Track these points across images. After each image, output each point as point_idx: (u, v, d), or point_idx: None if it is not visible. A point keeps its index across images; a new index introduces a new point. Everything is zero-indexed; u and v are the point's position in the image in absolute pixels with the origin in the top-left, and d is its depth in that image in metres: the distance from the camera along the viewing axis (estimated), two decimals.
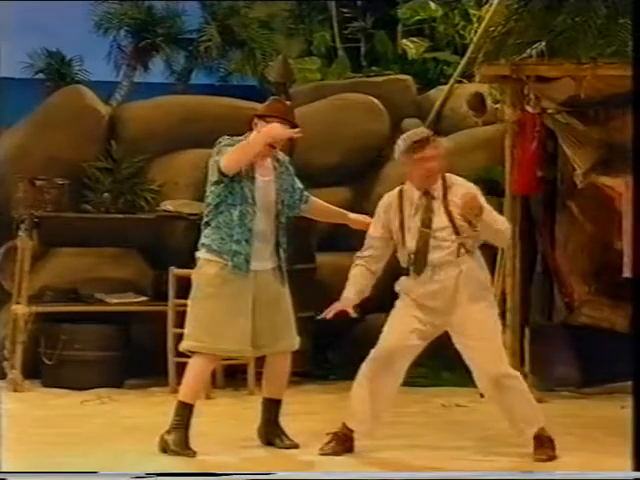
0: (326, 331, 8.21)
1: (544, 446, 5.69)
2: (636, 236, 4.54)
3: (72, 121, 8.61)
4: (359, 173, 8.86)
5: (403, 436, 6.24)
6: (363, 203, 8.87)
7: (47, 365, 7.84)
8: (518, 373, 5.77)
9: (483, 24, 8.43)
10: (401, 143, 5.73)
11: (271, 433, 5.91)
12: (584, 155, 7.54)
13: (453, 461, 5.64)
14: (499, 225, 5.70)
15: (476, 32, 8.92)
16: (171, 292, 7.72)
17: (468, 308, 5.65)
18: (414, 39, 9.89)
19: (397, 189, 5.82)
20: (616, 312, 7.70)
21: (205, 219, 5.80)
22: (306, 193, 6.00)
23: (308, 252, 8.28)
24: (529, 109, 7.40)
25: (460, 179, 5.80)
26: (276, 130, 5.68)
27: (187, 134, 8.59)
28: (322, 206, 6.07)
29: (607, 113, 7.61)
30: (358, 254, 5.88)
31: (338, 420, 6.72)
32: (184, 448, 5.66)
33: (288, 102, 6.03)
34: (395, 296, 8.50)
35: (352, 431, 5.78)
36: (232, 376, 7.82)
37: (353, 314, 5.83)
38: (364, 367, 5.81)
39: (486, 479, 5.20)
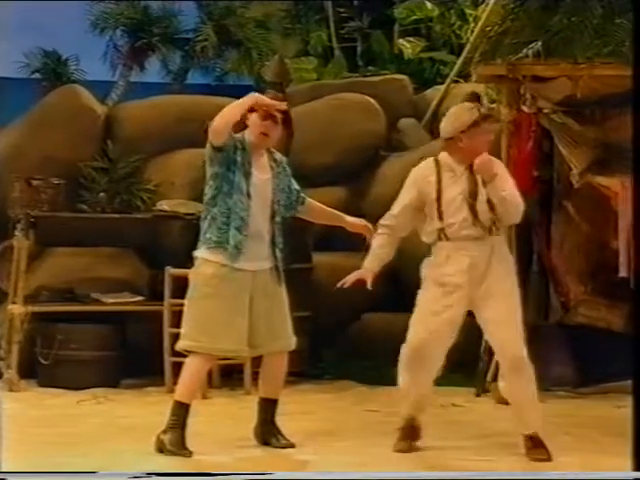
0: (322, 330, 8.22)
1: (539, 446, 5.69)
2: (637, 236, 4.53)
3: (68, 121, 8.60)
4: (355, 173, 8.86)
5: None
6: (359, 203, 8.88)
7: (43, 365, 7.84)
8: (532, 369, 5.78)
9: (479, 24, 8.44)
10: (465, 114, 5.71)
11: (267, 433, 5.91)
12: (580, 155, 7.55)
13: (450, 461, 5.64)
14: (506, 194, 5.65)
15: (472, 32, 8.94)
16: (167, 292, 7.72)
17: (496, 284, 5.66)
18: (410, 39, 9.90)
19: (431, 161, 5.83)
20: (612, 312, 7.71)
21: (202, 216, 5.80)
22: (303, 194, 6.00)
23: (305, 252, 8.28)
24: (525, 109, 7.40)
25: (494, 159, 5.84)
26: (262, 97, 5.72)
27: (183, 134, 8.59)
28: (318, 208, 6.07)
29: (603, 113, 7.61)
30: (381, 221, 5.91)
31: (333, 420, 6.72)
32: (180, 448, 5.65)
33: (282, 98, 6.01)
34: (393, 296, 8.56)
35: (414, 419, 5.76)
36: (228, 376, 7.82)
37: (370, 286, 5.84)
38: (400, 362, 5.86)
39: (486, 479, 5.20)
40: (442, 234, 5.75)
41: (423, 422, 5.88)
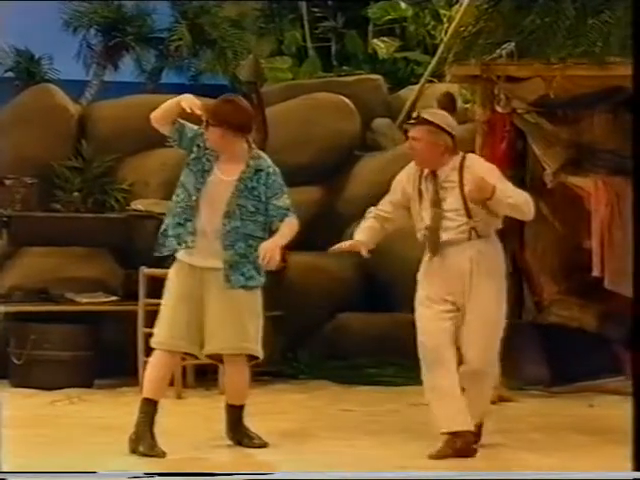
0: (296, 330, 8.22)
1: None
2: (636, 237, 4.57)
3: (41, 120, 8.57)
4: (330, 172, 8.87)
5: (373, 435, 6.25)
6: (334, 202, 8.89)
7: (16, 365, 7.80)
8: (496, 371, 5.79)
9: (453, 24, 8.46)
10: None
11: (238, 435, 5.92)
12: (553, 155, 7.58)
13: (424, 460, 5.65)
14: (512, 199, 5.67)
15: (446, 32, 8.95)
16: (141, 292, 7.70)
17: (478, 289, 5.67)
18: (385, 39, 9.91)
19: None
20: (585, 311, 7.75)
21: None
22: (286, 214, 5.82)
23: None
24: (499, 109, 7.42)
25: (478, 159, 5.87)
26: (187, 97, 5.80)
27: (157, 133, 8.52)
28: (285, 230, 5.84)
29: (576, 113, 7.65)
30: (372, 209, 5.97)
31: (308, 419, 6.73)
32: (153, 448, 5.65)
33: (243, 101, 5.95)
34: (368, 296, 8.57)
35: (468, 432, 5.67)
36: (203, 376, 7.81)
37: (365, 254, 5.87)
38: (423, 375, 5.75)
39: (485, 479, 5.21)
40: (426, 236, 5.78)
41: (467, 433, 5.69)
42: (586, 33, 7.18)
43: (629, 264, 7.49)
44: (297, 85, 9.37)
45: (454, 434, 5.65)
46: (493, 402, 6.76)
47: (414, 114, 5.86)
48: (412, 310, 8.40)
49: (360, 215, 8.68)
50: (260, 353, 5.84)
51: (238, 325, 5.75)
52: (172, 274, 5.82)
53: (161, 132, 5.88)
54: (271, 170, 5.84)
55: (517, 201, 5.69)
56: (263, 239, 5.79)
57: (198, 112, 5.72)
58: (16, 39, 9.24)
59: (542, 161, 7.63)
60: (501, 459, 5.71)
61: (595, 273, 7.45)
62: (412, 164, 5.88)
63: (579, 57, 7.14)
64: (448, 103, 8.44)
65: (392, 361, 8.19)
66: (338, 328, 8.52)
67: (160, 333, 5.79)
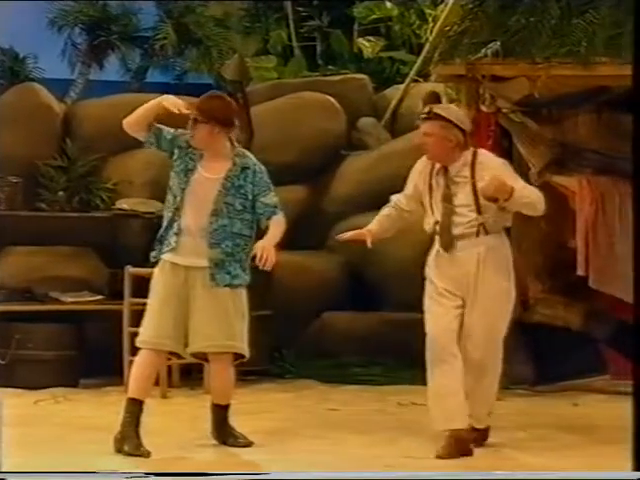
0: (283, 329, 8.22)
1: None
2: (636, 240, 4.58)
3: (26, 119, 8.54)
4: (315, 171, 8.87)
5: (360, 434, 6.25)
6: (319, 201, 8.90)
7: (1, 365, 7.78)
8: (499, 369, 5.81)
9: (438, 23, 8.48)
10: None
11: (223, 434, 5.92)
12: (538, 154, 7.60)
13: (409, 459, 5.66)
14: (528, 199, 5.70)
15: (432, 31, 8.96)
16: (127, 291, 7.69)
17: (484, 285, 5.69)
18: (370, 38, 9.92)
19: None
20: (570, 310, 7.77)
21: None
22: (274, 212, 5.82)
23: None
24: (484, 108, 7.44)
25: (490, 155, 5.89)
26: (168, 98, 5.78)
27: None
28: (276, 230, 5.84)
29: (561, 113, 7.67)
30: (393, 197, 6.02)
31: (294, 419, 6.73)
32: (138, 448, 5.64)
33: (229, 98, 5.97)
34: (354, 295, 8.57)
35: (465, 431, 5.68)
36: (188, 375, 7.80)
37: (369, 244, 5.91)
38: (428, 370, 5.75)
39: (483, 479, 5.22)
40: (435, 228, 5.81)
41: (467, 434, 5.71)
42: (571, 33, 7.20)
43: (613, 263, 7.57)
44: (282, 84, 9.36)
45: (454, 432, 5.66)
46: None
47: (426, 109, 5.83)
48: (398, 309, 8.44)
49: (346, 214, 8.76)
50: (246, 351, 5.84)
51: (224, 323, 5.74)
52: (157, 273, 5.82)
53: (136, 137, 5.86)
54: (257, 168, 5.85)
55: (532, 200, 5.73)
56: (250, 237, 5.79)
57: (185, 111, 5.72)
58: (0, 38, 9.21)
59: (527, 160, 7.64)
60: (487, 457, 5.72)
61: (580, 272, 7.48)
62: (424, 158, 5.89)
63: (564, 57, 7.16)
64: (433, 102, 8.43)
65: (378, 360, 8.21)
66: (324, 327, 8.53)
67: (145, 332, 5.79)
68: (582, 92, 7.60)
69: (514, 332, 7.85)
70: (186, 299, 5.74)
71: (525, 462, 5.63)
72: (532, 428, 6.36)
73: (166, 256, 5.77)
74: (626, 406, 7.07)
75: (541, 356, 7.66)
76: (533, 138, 7.65)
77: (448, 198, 5.75)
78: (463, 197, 5.73)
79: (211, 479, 5.00)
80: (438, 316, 5.74)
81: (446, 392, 5.67)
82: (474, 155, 5.79)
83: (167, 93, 9.57)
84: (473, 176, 5.72)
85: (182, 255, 5.74)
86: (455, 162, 5.76)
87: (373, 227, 5.98)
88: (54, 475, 4.99)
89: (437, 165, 5.82)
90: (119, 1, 9.48)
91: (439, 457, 5.63)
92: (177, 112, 5.72)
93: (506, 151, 7.76)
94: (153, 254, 5.82)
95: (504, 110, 7.56)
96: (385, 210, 6.01)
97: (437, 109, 5.82)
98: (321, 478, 5.08)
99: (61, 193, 8.48)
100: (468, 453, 5.68)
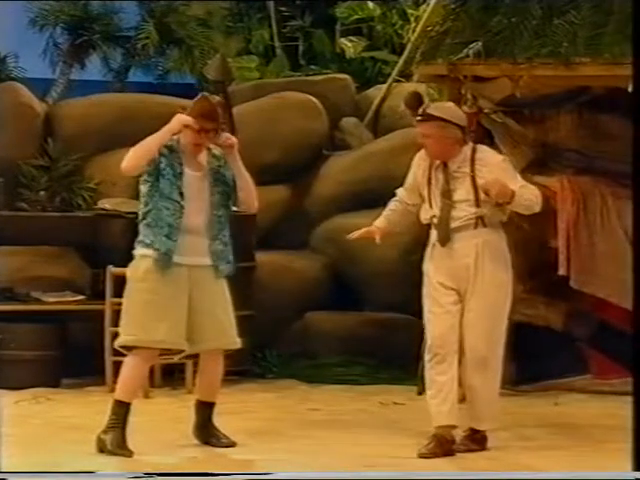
0: (265, 329, 8.22)
1: (474, 440, 5.75)
2: (636, 245, 4.61)
3: (7, 119, 8.51)
4: (298, 171, 8.87)
5: (342, 434, 6.26)
6: (302, 201, 8.90)
7: None
8: (500, 366, 5.81)
9: (421, 24, 8.47)
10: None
11: (206, 434, 5.92)
12: (520, 154, 7.62)
13: (392, 459, 5.67)
14: (526, 201, 5.75)
15: (414, 32, 8.96)
16: (108, 291, 7.68)
17: (482, 279, 5.71)
18: (352, 38, 9.92)
19: None
20: (551, 310, 7.79)
21: (139, 217, 5.87)
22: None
23: (247, 250, 8.27)
24: (466, 109, 7.43)
25: (489, 151, 5.91)
26: (183, 120, 5.73)
27: (124, 132, 8.51)
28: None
29: (542, 113, 7.69)
30: (398, 191, 6.02)
31: (276, 418, 6.73)
32: (121, 448, 5.63)
33: (218, 99, 6.02)
34: (336, 295, 8.58)
35: (448, 429, 5.70)
36: (170, 375, 7.80)
37: (378, 240, 5.93)
38: (427, 366, 5.78)
39: (483, 479, 5.23)
40: (433, 221, 5.83)
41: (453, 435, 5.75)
42: (552, 33, 7.22)
43: (595, 263, 7.60)
44: (265, 84, 9.36)
45: (440, 431, 5.69)
46: (460, 401, 6.80)
47: (421, 110, 5.84)
48: (380, 309, 8.45)
49: (329, 214, 8.76)
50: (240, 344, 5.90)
51: (228, 320, 5.80)
52: (143, 273, 5.73)
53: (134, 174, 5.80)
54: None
55: (531, 202, 5.79)
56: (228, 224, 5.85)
57: (196, 126, 5.72)
58: None
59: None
60: (469, 457, 5.73)
61: (561, 272, 7.50)
62: (422, 152, 5.91)
63: (545, 57, 7.18)
64: (415, 102, 8.45)
65: (360, 360, 8.21)
66: (306, 327, 8.53)
67: (133, 331, 5.72)
68: (563, 92, 7.63)
69: None
70: (187, 297, 5.72)
71: (508, 461, 5.64)
72: (514, 427, 6.38)
73: (164, 255, 5.72)
74: (606, 405, 7.12)
75: (522, 356, 7.68)
76: (515, 138, 7.67)
77: (447, 194, 5.77)
78: (463, 192, 5.76)
79: (218, 479, 5.00)
80: (436, 316, 5.75)
81: (438, 390, 5.70)
82: (473, 150, 5.82)
83: (149, 93, 9.59)
84: (472, 171, 5.76)
85: (185, 254, 5.73)
86: (455, 158, 5.78)
87: (381, 223, 5.99)
88: (54, 475, 4.98)
89: (436, 161, 5.84)
90: (100, 0, 9.46)
91: (422, 456, 5.64)
92: (190, 127, 5.69)
93: None
94: (165, 259, 5.70)
95: (486, 110, 7.57)
96: (391, 205, 6.04)
97: (431, 110, 5.83)
98: (322, 478, 5.09)
99: (43, 193, 8.46)
100: (450, 453, 5.69)
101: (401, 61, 9.14)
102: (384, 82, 9.32)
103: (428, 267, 5.83)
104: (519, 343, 7.72)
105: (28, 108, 8.68)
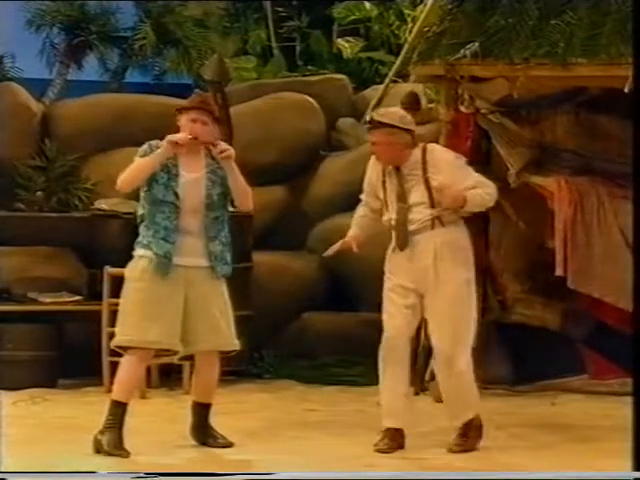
0: (262, 330, 8.22)
1: (467, 436, 5.76)
2: (637, 248, 4.62)
3: (4, 119, 8.51)
4: (295, 172, 8.88)
5: (339, 435, 6.26)
6: (299, 202, 8.90)
7: None
8: (470, 358, 5.84)
9: (417, 24, 8.47)
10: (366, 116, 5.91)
11: (203, 434, 5.92)
12: (517, 155, 7.63)
13: (388, 459, 5.67)
14: (479, 204, 5.81)
15: (411, 32, 8.96)
16: (106, 291, 7.68)
17: (443, 278, 5.73)
18: (349, 39, 9.93)
19: None
20: (548, 310, 7.80)
21: (138, 220, 5.89)
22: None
23: (244, 250, 8.28)
24: (463, 109, 7.46)
25: (439, 149, 5.93)
26: (165, 144, 5.71)
27: (122, 132, 8.54)
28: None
29: (539, 113, 7.70)
30: (362, 196, 6.05)
31: (273, 419, 6.73)
32: (118, 448, 5.63)
33: (210, 95, 6.04)
34: (333, 296, 8.58)
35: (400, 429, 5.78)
36: (167, 376, 7.79)
37: (355, 249, 5.97)
38: (380, 364, 5.87)
39: (485, 479, 5.24)
40: (391, 224, 5.84)
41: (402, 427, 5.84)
42: (549, 34, 7.23)
43: (592, 264, 7.60)
44: (262, 85, 9.36)
45: (392, 429, 5.77)
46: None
47: (367, 117, 5.89)
48: (377, 309, 8.46)
49: (325, 214, 8.76)
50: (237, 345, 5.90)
51: (225, 321, 5.80)
52: (140, 273, 5.74)
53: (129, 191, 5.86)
54: None
55: (485, 199, 5.82)
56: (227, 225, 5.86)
57: (189, 140, 5.72)
58: None
59: (506, 161, 7.66)
60: (465, 457, 5.74)
61: (558, 272, 7.51)
62: (374, 156, 5.93)
63: (542, 58, 7.18)
64: (412, 103, 8.47)
65: (357, 361, 8.21)
66: (303, 328, 8.53)
67: (128, 331, 5.73)
68: (560, 93, 7.63)
69: (493, 332, 7.92)
70: (183, 298, 5.73)
71: (505, 461, 5.65)
72: (510, 427, 6.38)
73: (161, 256, 5.72)
74: (603, 406, 7.12)
75: (519, 356, 7.69)
76: (512, 139, 7.67)
77: (402, 198, 5.80)
78: (417, 195, 5.78)
79: (218, 479, 5.00)
80: (391, 316, 5.84)
81: (389, 389, 5.78)
82: (424, 151, 5.83)
83: (146, 93, 9.59)
84: (425, 174, 5.78)
85: (182, 255, 5.73)
86: (406, 162, 5.80)
87: (354, 232, 6.01)
88: (54, 475, 4.98)
89: (388, 165, 5.86)
90: (97, 0, 9.45)
91: (380, 451, 5.72)
92: (187, 142, 5.70)
93: (485, 152, 7.80)
94: (163, 262, 5.70)
95: (483, 111, 7.58)
96: (359, 211, 6.05)
97: (378, 117, 5.84)
98: (320, 478, 5.09)
99: (39, 193, 8.45)
100: (401, 446, 5.77)
101: (398, 61, 9.13)
102: (381, 82, 9.31)
103: (387, 268, 5.88)
104: (516, 343, 7.74)
105: (25, 108, 8.67)
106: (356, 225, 6.03)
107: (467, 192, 5.73)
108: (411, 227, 5.77)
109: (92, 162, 8.69)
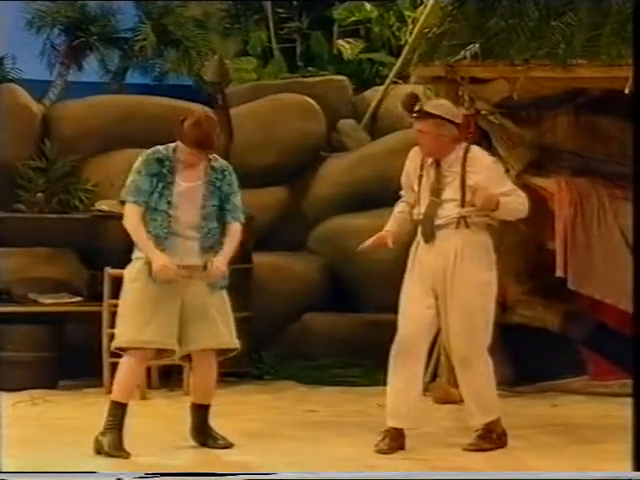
0: (262, 331, 8.23)
1: (485, 438, 5.76)
2: (637, 249, 4.63)
3: (4, 120, 8.51)
4: (295, 173, 8.88)
5: (340, 436, 6.26)
6: (299, 203, 8.90)
7: None
8: (489, 358, 5.84)
9: (418, 25, 8.49)
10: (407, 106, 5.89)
11: (203, 435, 5.92)
12: (517, 156, 7.63)
13: (389, 459, 5.67)
14: (512, 210, 5.84)
15: (411, 33, 8.98)
16: (106, 292, 7.68)
17: (463, 278, 5.74)
18: (350, 40, 9.93)
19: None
20: (548, 311, 7.80)
21: None
22: (240, 217, 5.88)
23: (244, 251, 8.27)
24: (463, 110, 7.45)
25: (481, 152, 5.94)
26: (154, 264, 5.68)
27: (122, 134, 8.54)
28: (233, 243, 5.87)
29: (539, 114, 7.70)
30: (402, 192, 6.04)
31: (274, 420, 6.73)
32: (118, 449, 5.64)
33: (212, 117, 5.95)
34: (334, 296, 8.58)
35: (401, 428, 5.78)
36: (167, 377, 7.80)
37: (390, 245, 5.92)
38: (391, 361, 5.82)
39: (485, 479, 5.24)
40: (419, 217, 5.87)
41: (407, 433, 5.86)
42: (549, 35, 7.24)
43: (592, 265, 7.60)
44: (262, 86, 9.37)
45: (392, 429, 5.76)
46: (454, 402, 6.81)
47: (417, 107, 5.87)
48: (377, 310, 8.46)
49: (326, 215, 8.76)
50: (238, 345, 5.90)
51: (223, 320, 5.79)
52: (136, 273, 5.77)
53: None
54: (230, 168, 5.96)
55: (517, 210, 5.86)
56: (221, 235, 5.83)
57: (177, 277, 5.67)
58: None
59: (506, 162, 7.66)
60: (465, 457, 5.73)
61: (559, 273, 7.51)
62: (416, 148, 5.94)
63: (542, 59, 7.19)
64: (412, 104, 8.46)
65: (358, 362, 8.22)
66: (304, 329, 8.53)
67: (125, 332, 5.75)
68: (560, 94, 7.64)
69: (493, 333, 7.91)
70: (179, 298, 5.73)
71: (506, 461, 5.65)
72: (511, 429, 6.38)
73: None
74: (604, 407, 7.12)
75: (520, 357, 7.69)
76: (512, 140, 7.68)
77: (436, 192, 5.82)
78: (451, 191, 5.80)
79: (220, 479, 5.00)
80: (410, 317, 5.79)
81: (403, 393, 5.75)
82: (466, 150, 5.87)
83: (146, 94, 9.59)
84: (463, 171, 5.80)
85: (177, 256, 5.74)
86: (448, 156, 5.83)
87: (391, 227, 6.00)
88: (54, 475, 4.98)
89: (430, 157, 5.88)
90: (98, 1, 9.46)
91: (380, 452, 5.72)
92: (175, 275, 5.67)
93: None
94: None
95: (483, 112, 7.58)
96: (398, 207, 6.06)
97: (427, 107, 5.88)
98: (323, 479, 5.09)
99: (40, 194, 8.45)
100: (402, 447, 5.77)
101: (398, 63, 9.15)
102: (381, 84, 9.33)
103: (410, 263, 5.88)
104: (517, 344, 7.74)
105: (25, 109, 8.68)
106: (394, 220, 6.02)
107: (501, 197, 5.75)
108: (437, 222, 5.78)
109: (92, 163, 8.69)
